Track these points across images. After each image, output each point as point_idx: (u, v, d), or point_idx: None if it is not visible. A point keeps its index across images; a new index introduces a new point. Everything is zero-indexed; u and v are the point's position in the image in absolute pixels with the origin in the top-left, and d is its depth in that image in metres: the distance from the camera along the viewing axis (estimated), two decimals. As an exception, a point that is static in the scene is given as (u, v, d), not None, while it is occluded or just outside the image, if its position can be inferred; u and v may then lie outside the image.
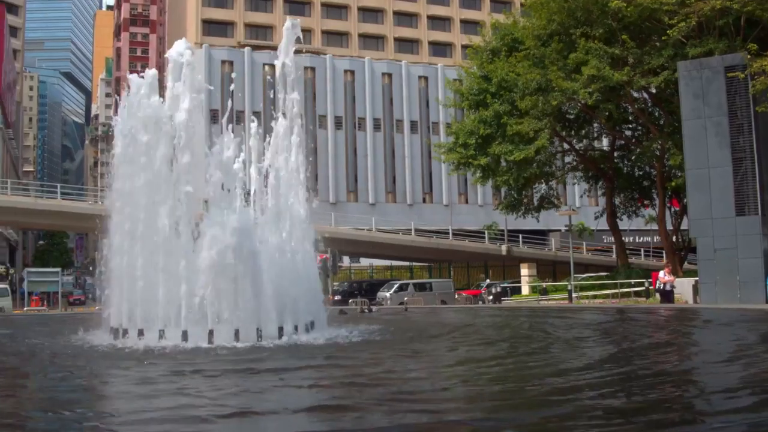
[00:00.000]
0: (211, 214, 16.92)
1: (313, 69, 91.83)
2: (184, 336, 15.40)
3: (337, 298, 59.48)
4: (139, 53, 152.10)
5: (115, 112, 21.11)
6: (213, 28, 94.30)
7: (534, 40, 45.83)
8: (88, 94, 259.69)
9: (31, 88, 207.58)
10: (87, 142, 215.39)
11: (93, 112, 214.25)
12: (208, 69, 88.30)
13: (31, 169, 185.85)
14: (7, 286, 55.32)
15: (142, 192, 16.50)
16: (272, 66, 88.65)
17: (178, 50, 17.39)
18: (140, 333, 15.48)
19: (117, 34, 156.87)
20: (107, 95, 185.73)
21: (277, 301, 16.90)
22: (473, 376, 11.75)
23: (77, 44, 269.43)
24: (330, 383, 11.15)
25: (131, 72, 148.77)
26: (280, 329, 16.60)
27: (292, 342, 16.31)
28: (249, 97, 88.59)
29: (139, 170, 16.86)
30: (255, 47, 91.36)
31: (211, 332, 15.52)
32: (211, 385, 10.82)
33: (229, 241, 16.24)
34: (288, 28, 20.00)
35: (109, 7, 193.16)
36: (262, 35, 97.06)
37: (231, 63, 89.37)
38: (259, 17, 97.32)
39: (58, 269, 61.61)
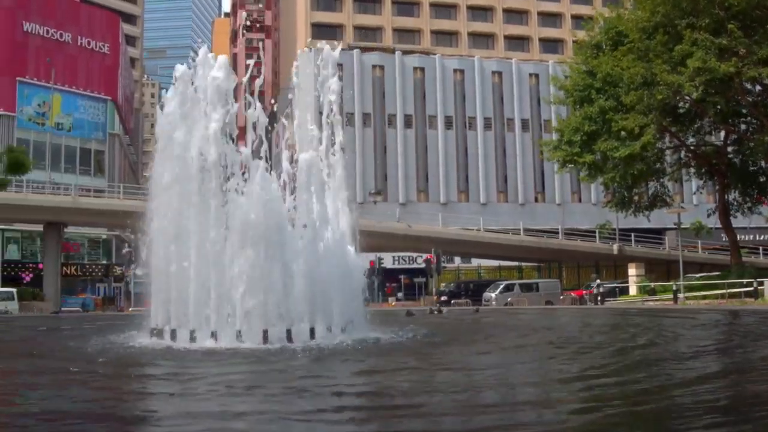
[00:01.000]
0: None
1: (422, 69, 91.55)
2: (239, 336, 15.20)
3: (443, 298, 59.13)
4: (255, 58, 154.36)
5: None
6: (322, 31, 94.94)
7: (638, 33, 44.37)
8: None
9: (152, 95, 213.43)
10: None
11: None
12: (318, 72, 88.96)
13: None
14: (13, 290, 57.09)
15: (187, 192, 16.25)
16: (381, 67, 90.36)
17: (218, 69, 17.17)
18: (192, 335, 15.25)
19: (233, 40, 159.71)
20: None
21: (311, 301, 16.54)
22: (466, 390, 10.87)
23: (198, 51, 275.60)
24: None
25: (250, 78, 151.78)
26: (312, 330, 16.25)
27: (319, 344, 15.86)
28: (359, 99, 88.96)
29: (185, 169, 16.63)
30: (364, 49, 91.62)
31: (265, 332, 15.33)
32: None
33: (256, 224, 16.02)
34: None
35: (226, 15, 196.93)
36: (371, 37, 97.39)
37: (340, 65, 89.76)
38: (367, 19, 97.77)
39: None
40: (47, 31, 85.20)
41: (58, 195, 68.39)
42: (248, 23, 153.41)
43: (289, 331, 15.54)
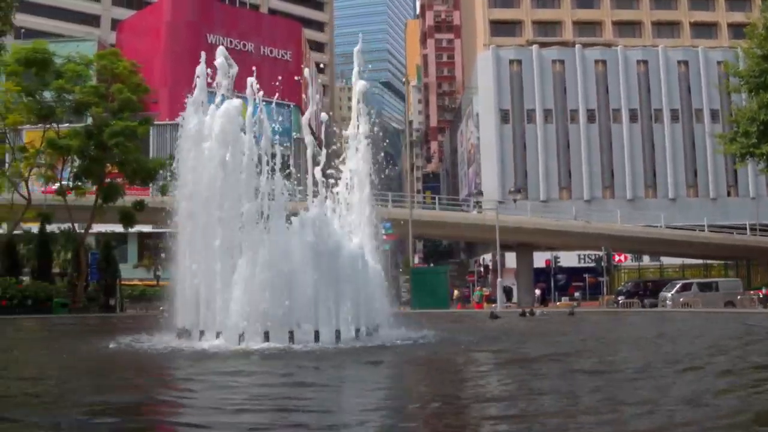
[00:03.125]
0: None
1: (604, 62, 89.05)
2: (291, 337, 15.05)
3: (620, 299, 57.13)
4: (444, 59, 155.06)
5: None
6: (501, 28, 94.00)
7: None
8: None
9: (349, 99, 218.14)
10: (402, 148, 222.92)
11: (407, 118, 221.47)
12: (496, 69, 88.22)
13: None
14: None
15: (230, 191, 16.15)
16: (561, 62, 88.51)
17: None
18: (241, 336, 15.15)
19: (423, 41, 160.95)
20: (419, 101, 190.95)
21: (341, 303, 16.15)
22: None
23: (394, 54, 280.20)
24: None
25: (438, 78, 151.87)
26: (337, 332, 15.86)
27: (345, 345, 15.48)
28: (539, 95, 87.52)
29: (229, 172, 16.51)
30: (542, 44, 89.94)
31: (317, 333, 15.12)
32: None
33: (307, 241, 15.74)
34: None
35: (418, 16, 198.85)
36: (550, 32, 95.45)
37: (519, 62, 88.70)
38: (546, 14, 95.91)
39: None
40: (230, 42, 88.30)
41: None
42: (437, 23, 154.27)
43: (317, 333, 15.36)
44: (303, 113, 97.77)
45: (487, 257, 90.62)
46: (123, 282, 70.81)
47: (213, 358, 13.76)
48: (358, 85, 18.43)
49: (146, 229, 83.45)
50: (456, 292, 66.14)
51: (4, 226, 48.44)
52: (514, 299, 66.78)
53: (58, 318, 36.67)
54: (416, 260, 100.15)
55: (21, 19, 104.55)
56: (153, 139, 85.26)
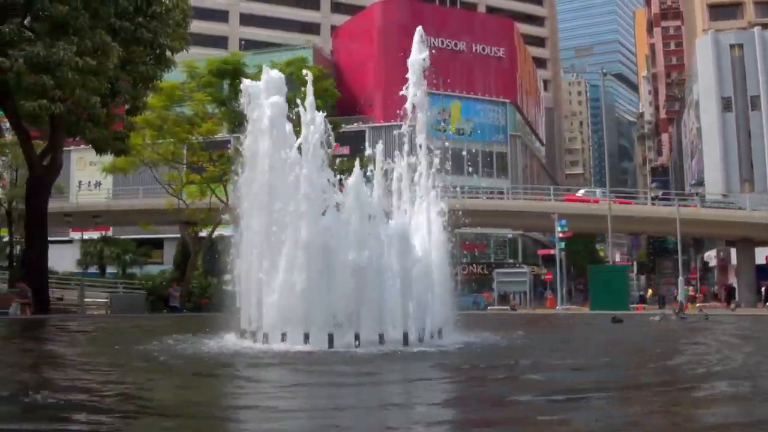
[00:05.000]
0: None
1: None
2: (331, 340, 14.86)
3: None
4: (672, 47, 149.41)
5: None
6: (720, 11, 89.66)
7: None
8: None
9: (579, 93, 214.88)
10: (635, 140, 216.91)
11: (639, 109, 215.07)
12: (716, 55, 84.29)
13: (580, 172, 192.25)
14: None
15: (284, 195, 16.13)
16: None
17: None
18: (306, 337, 15.07)
19: (649, 30, 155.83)
20: (649, 93, 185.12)
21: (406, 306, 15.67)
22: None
23: (625, 44, 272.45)
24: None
25: (666, 67, 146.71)
26: (405, 335, 15.39)
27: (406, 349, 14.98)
28: (764, 80, 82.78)
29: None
30: (766, 26, 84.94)
31: (382, 336, 14.93)
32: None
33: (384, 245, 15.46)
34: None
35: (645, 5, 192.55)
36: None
37: (740, 46, 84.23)
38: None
39: (526, 269, 63.02)
40: (442, 42, 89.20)
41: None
42: (662, 11, 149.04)
43: (381, 336, 15.04)
44: (519, 110, 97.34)
45: (712, 254, 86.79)
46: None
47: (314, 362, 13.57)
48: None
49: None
50: (650, 291, 63.79)
51: (206, 230, 51.11)
52: (736, 298, 63.21)
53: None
54: (617, 257, 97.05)
55: (242, 31, 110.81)
56: (368, 142, 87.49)
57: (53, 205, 52.82)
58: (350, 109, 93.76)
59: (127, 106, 36.50)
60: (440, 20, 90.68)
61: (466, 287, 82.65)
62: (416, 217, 17.71)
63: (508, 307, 56.74)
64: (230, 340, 16.11)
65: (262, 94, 16.35)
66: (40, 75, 28.24)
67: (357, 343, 14.83)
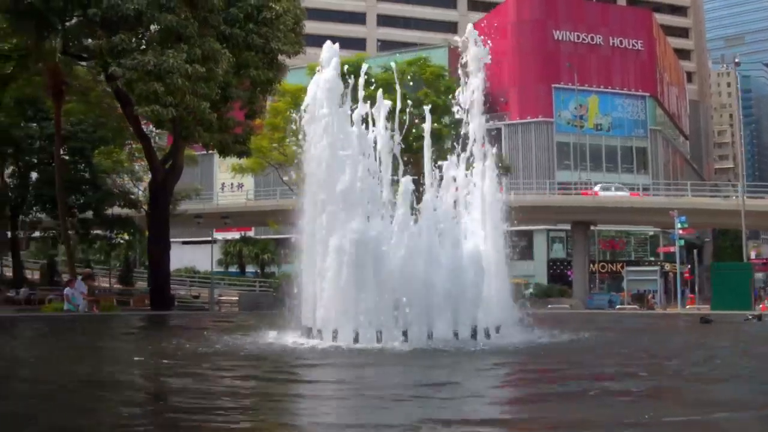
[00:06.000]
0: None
1: None
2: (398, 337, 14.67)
3: None
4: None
5: None
6: None
7: None
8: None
9: (728, 85, 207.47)
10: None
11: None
12: None
13: (730, 166, 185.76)
14: None
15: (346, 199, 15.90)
16: None
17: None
18: (334, 334, 14.95)
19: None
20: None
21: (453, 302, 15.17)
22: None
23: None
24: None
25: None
26: (455, 333, 14.96)
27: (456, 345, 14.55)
28: None
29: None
30: None
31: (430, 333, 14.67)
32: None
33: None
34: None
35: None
36: None
37: None
38: None
39: (656, 268, 61.05)
40: (577, 37, 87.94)
41: (570, 195, 70.71)
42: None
43: (456, 333, 14.78)
44: (660, 104, 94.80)
45: None
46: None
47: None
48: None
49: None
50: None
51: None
52: None
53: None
54: (752, 254, 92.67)
55: (380, 32, 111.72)
56: (505, 141, 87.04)
57: (191, 206, 54.87)
58: (487, 106, 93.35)
59: (244, 110, 37.43)
60: (575, 14, 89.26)
61: (604, 286, 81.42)
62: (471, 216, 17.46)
63: (636, 306, 55.10)
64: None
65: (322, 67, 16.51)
66: (151, 82, 29.31)
67: (404, 338, 14.71)
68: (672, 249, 58.22)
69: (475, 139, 17.76)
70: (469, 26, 18.90)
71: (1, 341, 18.94)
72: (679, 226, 53.60)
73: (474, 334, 15.43)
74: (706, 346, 16.95)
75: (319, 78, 16.62)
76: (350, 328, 14.72)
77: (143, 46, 31.29)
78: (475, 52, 17.88)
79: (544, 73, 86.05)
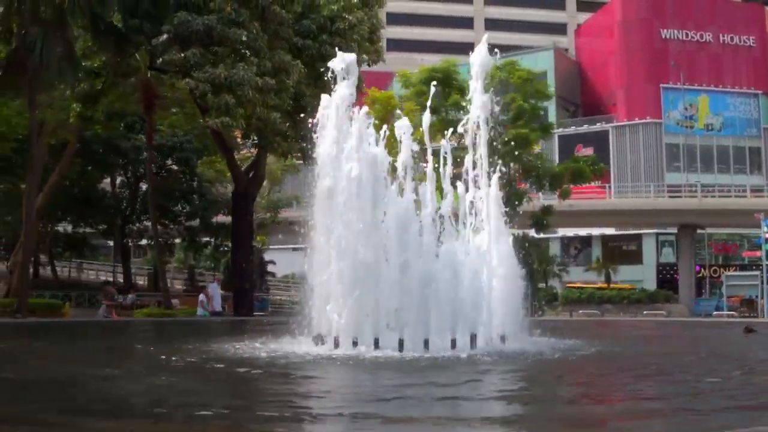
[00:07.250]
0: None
1: None
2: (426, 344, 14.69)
3: None
4: None
5: None
6: None
7: None
8: None
9: None
10: None
11: None
12: None
13: None
14: None
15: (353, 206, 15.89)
16: None
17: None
18: (377, 343, 15.00)
19: None
20: None
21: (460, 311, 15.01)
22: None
23: None
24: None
25: None
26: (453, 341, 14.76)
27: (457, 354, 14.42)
28: None
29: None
30: None
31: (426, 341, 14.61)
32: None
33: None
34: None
35: None
36: None
37: None
38: None
39: (757, 273, 58.57)
40: (686, 35, 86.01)
41: (678, 198, 69.18)
42: None
43: (454, 341, 14.66)
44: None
45: None
46: (570, 284, 72.39)
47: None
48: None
49: (609, 231, 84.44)
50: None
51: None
52: None
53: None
54: None
55: (488, 37, 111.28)
56: (612, 144, 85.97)
57: (291, 213, 56.18)
58: (594, 108, 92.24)
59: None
60: (683, 11, 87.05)
61: (716, 291, 79.01)
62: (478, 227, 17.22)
63: (734, 314, 52.83)
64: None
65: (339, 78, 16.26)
66: (222, 94, 30.36)
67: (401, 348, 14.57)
68: (758, 254, 56.47)
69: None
70: (484, 36, 18.55)
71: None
72: (766, 228, 51.98)
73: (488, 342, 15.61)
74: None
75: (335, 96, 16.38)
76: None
77: (214, 60, 32.28)
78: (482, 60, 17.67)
79: (652, 73, 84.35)
